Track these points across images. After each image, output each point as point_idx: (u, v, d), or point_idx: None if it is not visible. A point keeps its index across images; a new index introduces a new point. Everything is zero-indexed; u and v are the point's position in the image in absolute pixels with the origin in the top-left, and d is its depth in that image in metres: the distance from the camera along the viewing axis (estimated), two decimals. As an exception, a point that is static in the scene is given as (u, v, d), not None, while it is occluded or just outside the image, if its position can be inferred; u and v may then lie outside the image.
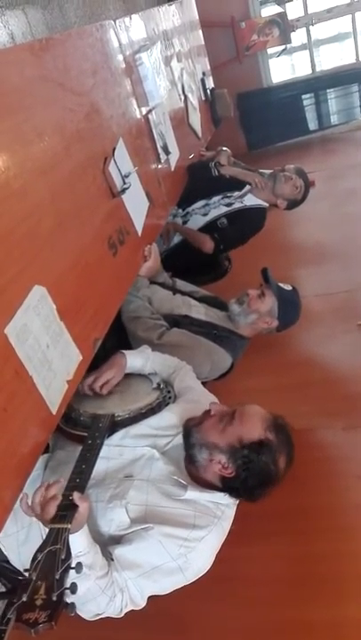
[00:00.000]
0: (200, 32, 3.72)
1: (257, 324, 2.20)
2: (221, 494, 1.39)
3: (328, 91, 5.93)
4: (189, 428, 1.44)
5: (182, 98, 2.85)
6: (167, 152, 2.30)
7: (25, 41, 2.64)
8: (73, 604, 0.94)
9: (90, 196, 1.51)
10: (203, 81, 3.48)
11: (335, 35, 6.05)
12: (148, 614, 1.34)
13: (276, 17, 5.54)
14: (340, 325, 2.78)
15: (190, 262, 2.78)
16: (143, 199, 1.96)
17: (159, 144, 2.21)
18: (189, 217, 2.90)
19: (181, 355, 1.84)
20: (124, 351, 1.68)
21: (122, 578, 1.26)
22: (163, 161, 2.27)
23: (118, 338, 1.90)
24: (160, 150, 2.23)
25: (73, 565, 0.99)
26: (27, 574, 0.97)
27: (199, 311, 2.19)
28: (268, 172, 3.04)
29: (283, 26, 5.52)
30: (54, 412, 1.21)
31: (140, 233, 1.89)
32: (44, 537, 1.06)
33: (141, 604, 1.31)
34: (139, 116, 2.03)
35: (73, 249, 1.37)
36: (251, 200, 2.91)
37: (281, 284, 2.28)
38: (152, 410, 1.53)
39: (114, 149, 1.69)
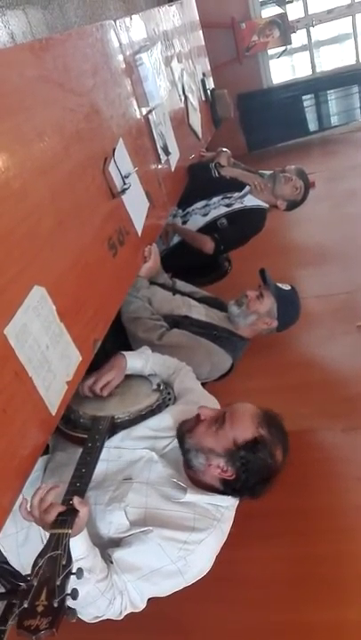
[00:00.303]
0: (200, 33, 3.72)
1: (257, 324, 2.20)
2: (221, 496, 1.38)
3: (328, 92, 5.94)
4: (182, 434, 1.43)
5: (182, 98, 2.85)
6: (167, 152, 2.30)
7: (25, 41, 2.63)
8: (74, 609, 0.94)
9: (90, 197, 1.51)
10: (203, 81, 3.48)
11: (335, 36, 6.05)
12: (147, 616, 1.34)
13: (277, 18, 5.54)
14: (340, 326, 2.78)
15: (190, 263, 2.77)
16: (143, 199, 1.95)
17: (159, 144, 2.21)
18: (189, 217, 2.89)
19: (181, 355, 1.83)
20: (123, 352, 1.67)
21: (121, 580, 1.25)
22: (163, 161, 2.27)
23: (118, 339, 1.89)
24: (160, 151, 2.22)
25: (74, 571, 0.99)
26: (27, 578, 0.97)
27: (199, 312, 2.19)
28: (268, 172, 3.04)
29: (283, 27, 5.53)
30: (54, 414, 1.20)
31: (139, 233, 1.88)
32: (44, 540, 1.05)
33: (141, 606, 1.30)
34: (139, 117, 2.03)
35: (73, 249, 1.37)
36: (251, 201, 2.91)
37: (280, 285, 2.28)
38: (152, 411, 1.52)
39: (114, 150, 1.69)
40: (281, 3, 5.53)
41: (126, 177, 1.73)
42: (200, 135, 3.19)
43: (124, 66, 1.90)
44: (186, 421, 1.45)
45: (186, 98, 2.90)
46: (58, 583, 0.94)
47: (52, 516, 1.10)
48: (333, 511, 1.88)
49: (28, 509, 1.15)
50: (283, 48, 5.73)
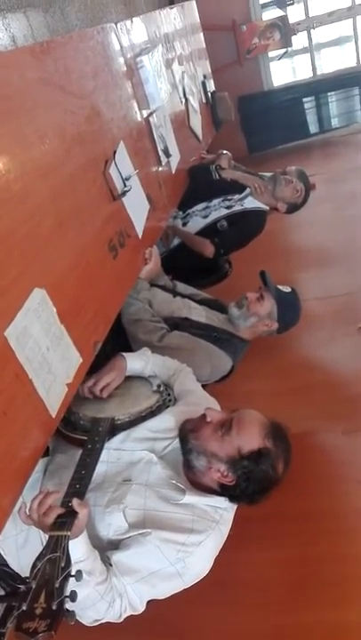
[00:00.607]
0: (201, 35, 3.73)
1: (257, 326, 2.20)
2: (220, 498, 1.39)
3: (329, 94, 5.94)
4: (186, 433, 1.43)
5: (183, 101, 2.85)
6: (168, 155, 2.30)
7: (26, 44, 2.64)
8: (73, 612, 0.94)
9: (90, 199, 1.51)
10: (204, 84, 3.49)
11: (336, 38, 6.05)
12: (147, 619, 1.34)
13: (278, 20, 5.55)
14: (341, 328, 2.77)
15: (190, 265, 2.78)
16: (144, 202, 1.96)
17: (160, 147, 2.21)
18: (189, 219, 2.90)
19: (182, 357, 1.83)
20: (124, 354, 1.67)
21: (120, 583, 1.25)
22: (163, 164, 2.28)
23: (118, 341, 1.89)
24: (161, 153, 2.23)
25: (73, 573, 0.99)
26: (26, 580, 0.96)
27: (199, 314, 2.19)
28: (268, 174, 3.04)
29: (284, 29, 5.53)
30: (54, 416, 1.20)
31: (140, 236, 1.88)
32: (44, 542, 1.05)
33: (140, 608, 1.30)
34: (140, 119, 2.03)
35: (73, 251, 1.37)
36: (251, 203, 2.91)
37: (280, 287, 2.28)
38: (152, 413, 1.53)
39: (115, 152, 1.69)
40: (282, 5, 5.53)
41: (127, 179, 1.73)
42: (201, 137, 3.20)
43: (125, 68, 1.91)
44: (190, 420, 1.45)
45: (187, 100, 2.90)
46: (57, 585, 0.94)
47: (51, 518, 1.10)
48: (334, 513, 1.87)
49: (27, 513, 1.15)
50: (283, 50, 5.73)
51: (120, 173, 1.70)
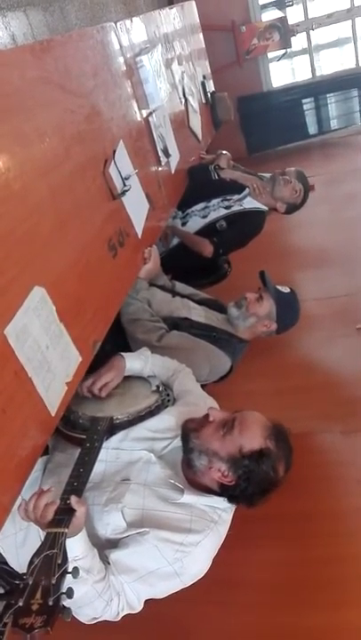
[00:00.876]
0: (201, 35, 3.73)
1: (256, 327, 2.21)
2: (219, 498, 1.39)
3: (328, 95, 5.95)
4: (188, 432, 1.43)
5: (183, 101, 2.86)
6: (167, 154, 2.31)
7: (26, 42, 2.64)
8: (69, 608, 0.93)
9: (90, 198, 1.51)
10: (203, 84, 3.49)
11: (335, 40, 6.06)
12: (144, 618, 1.34)
13: (277, 21, 5.55)
14: (340, 329, 2.78)
15: (190, 265, 2.78)
16: (143, 201, 1.96)
17: (159, 146, 2.22)
18: (189, 218, 2.90)
19: (181, 357, 1.83)
20: (123, 353, 1.67)
21: (118, 582, 1.25)
22: (163, 163, 2.28)
23: (118, 340, 1.89)
24: (160, 153, 2.23)
25: (69, 570, 0.99)
26: (23, 577, 0.96)
27: (199, 314, 2.19)
28: (268, 175, 3.04)
29: (283, 30, 5.54)
30: (53, 414, 1.20)
31: (139, 235, 1.88)
32: (42, 540, 1.05)
33: (138, 607, 1.30)
34: (139, 119, 2.03)
35: (73, 250, 1.37)
36: (250, 203, 2.91)
37: (279, 287, 2.28)
38: (151, 413, 1.53)
39: (114, 151, 1.69)
40: (281, 6, 5.54)
41: (126, 179, 1.73)
42: (200, 137, 3.20)
43: (125, 68, 1.91)
44: (192, 420, 1.45)
45: (186, 100, 2.91)
46: (53, 582, 0.94)
47: (49, 515, 1.10)
48: (333, 514, 1.87)
49: (25, 510, 1.15)
50: (283, 51, 5.73)
51: (120, 173, 1.70)
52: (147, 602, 1.31)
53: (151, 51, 2.11)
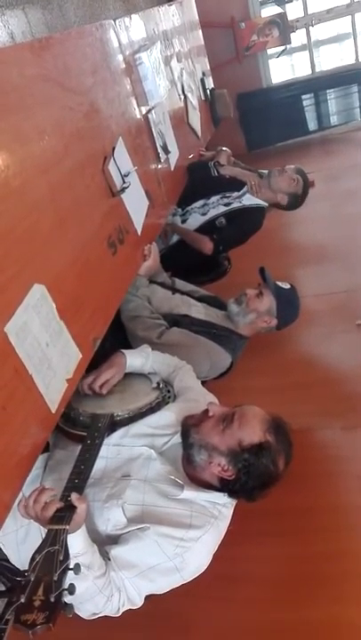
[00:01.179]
0: (200, 32, 3.72)
1: (256, 323, 2.21)
2: (219, 494, 1.39)
3: (328, 91, 5.93)
4: (188, 428, 1.44)
5: (182, 97, 2.85)
6: (167, 151, 2.30)
7: (25, 40, 2.64)
8: (71, 605, 0.94)
9: (89, 195, 1.51)
10: (202, 81, 3.49)
11: (335, 35, 6.04)
12: (145, 613, 1.35)
13: (276, 17, 5.54)
14: (340, 325, 2.78)
15: (189, 262, 2.78)
16: (143, 198, 1.96)
17: (159, 143, 2.21)
18: (188, 215, 2.89)
19: (181, 354, 1.84)
20: (123, 350, 1.68)
21: (119, 577, 1.26)
22: (162, 160, 2.27)
23: (118, 337, 1.90)
24: (160, 150, 2.23)
25: (71, 566, 0.99)
26: (25, 573, 0.97)
27: (199, 310, 2.19)
28: (266, 172, 3.04)
29: (282, 26, 5.52)
30: (54, 411, 1.21)
31: (139, 232, 1.89)
32: (43, 537, 1.06)
33: (139, 603, 1.31)
34: (138, 116, 2.03)
35: (73, 248, 1.37)
36: (249, 200, 2.91)
37: (279, 283, 2.28)
38: (151, 409, 1.53)
39: (113, 148, 1.69)
40: (280, 2, 5.52)
41: (126, 176, 1.73)
42: (199, 134, 3.19)
43: (124, 65, 1.91)
44: (192, 416, 1.46)
45: (185, 97, 2.90)
46: (55, 578, 0.94)
47: (50, 512, 1.11)
48: (333, 509, 1.88)
49: (25, 507, 1.15)
50: (282, 47, 5.72)
51: (119, 170, 1.70)
52: (147, 597, 1.32)
53: (150, 48, 2.11)
